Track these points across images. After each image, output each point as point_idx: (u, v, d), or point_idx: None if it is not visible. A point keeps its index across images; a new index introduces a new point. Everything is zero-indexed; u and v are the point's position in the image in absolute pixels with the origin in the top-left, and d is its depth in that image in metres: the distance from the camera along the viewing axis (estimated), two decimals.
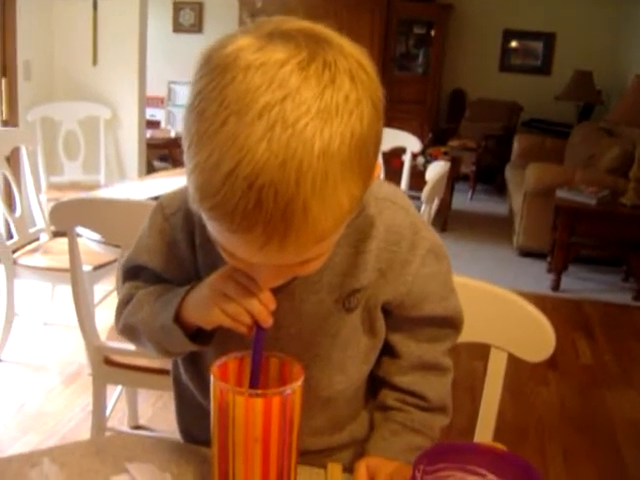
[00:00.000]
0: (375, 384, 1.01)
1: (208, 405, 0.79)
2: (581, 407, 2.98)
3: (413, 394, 0.98)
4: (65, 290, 2.97)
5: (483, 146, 6.94)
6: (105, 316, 2.43)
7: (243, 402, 0.74)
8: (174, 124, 7.31)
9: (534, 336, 1.14)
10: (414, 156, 4.11)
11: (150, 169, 4.90)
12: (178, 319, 0.85)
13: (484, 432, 1.21)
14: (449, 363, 1.01)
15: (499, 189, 7.08)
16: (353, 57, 0.67)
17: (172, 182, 2.53)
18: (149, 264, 0.95)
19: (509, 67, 7.93)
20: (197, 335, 0.87)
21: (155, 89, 6.62)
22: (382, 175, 3.88)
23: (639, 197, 4.34)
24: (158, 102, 7.46)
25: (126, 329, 0.97)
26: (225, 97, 0.63)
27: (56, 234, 3.02)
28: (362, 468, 0.89)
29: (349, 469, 0.92)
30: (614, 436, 2.74)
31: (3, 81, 3.86)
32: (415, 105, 7.56)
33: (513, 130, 7.40)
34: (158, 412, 2.62)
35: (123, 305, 0.97)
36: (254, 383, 0.79)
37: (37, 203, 3.12)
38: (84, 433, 2.40)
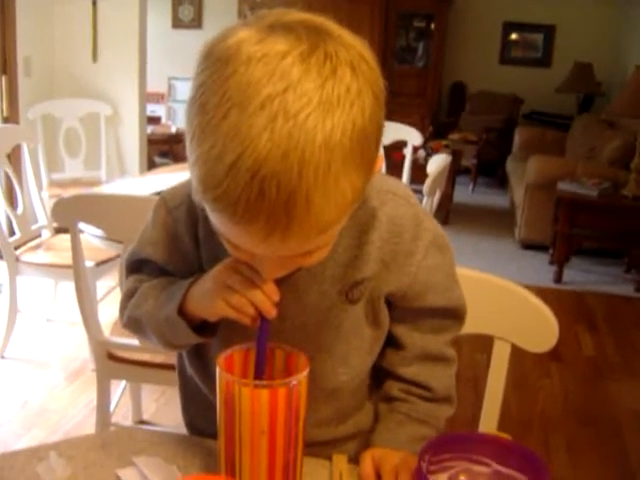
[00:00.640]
0: (379, 375, 1.02)
1: (213, 398, 0.79)
2: (584, 398, 2.98)
3: (418, 385, 0.98)
4: (68, 286, 2.98)
5: (484, 139, 6.93)
6: (108, 312, 2.43)
7: (249, 393, 0.74)
8: (175, 120, 7.31)
9: (537, 327, 1.14)
10: (415, 149, 4.11)
11: (151, 165, 4.90)
12: (182, 311, 0.86)
13: (488, 424, 1.21)
14: (453, 354, 1.01)
15: (500, 182, 7.07)
16: (354, 48, 0.67)
17: (173, 178, 2.53)
18: (153, 257, 0.95)
19: (509, 59, 7.92)
20: (201, 327, 0.87)
21: (155, 85, 6.61)
22: (383, 168, 3.90)
23: None
24: (158, 98, 7.46)
25: (130, 322, 0.97)
26: (227, 89, 0.63)
27: (58, 230, 3.02)
28: (368, 459, 0.89)
29: (354, 460, 0.93)
30: (617, 427, 2.74)
31: (3, 78, 3.86)
32: (415, 98, 7.55)
33: (514, 123, 7.40)
34: (162, 407, 2.62)
35: (127, 298, 0.97)
36: (259, 374, 0.79)
37: (39, 200, 3.12)
38: (88, 429, 2.40)
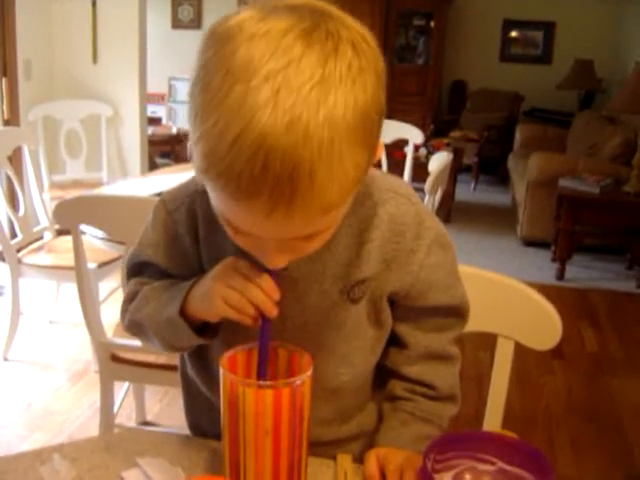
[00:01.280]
0: (383, 375, 1.01)
1: (215, 399, 0.79)
2: (588, 395, 2.98)
3: (421, 384, 0.98)
4: (70, 288, 2.97)
5: (485, 137, 6.93)
6: (111, 313, 2.43)
7: (253, 394, 0.74)
8: (175, 120, 7.31)
9: (541, 324, 1.14)
10: (416, 148, 4.11)
11: (152, 166, 4.89)
12: (183, 313, 0.85)
13: (492, 421, 1.21)
14: (456, 352, 1.01)
15: (502, 179, 7.07)
16: (355, 29, 0.68)
17: (174, 178, 2.52)
18: (153, 259, 0.95)
19: (509, 57, 7.92)
20: (203, 329, 0.87)
21: (156, 86, 6.61)
22: (384, 160, 3.88)
23: None
24: (159, 99, 7.46)
25: (132, 325, 0.97)
26: (230, 66, 0.63)
27: (60, 232, 3.02)
28: (372, 458, 0.89)
29: (359, 460, 0.92)
30: (621, 423, 2.74)
31: (4, 80, 3.86)
32: (416, 97, 7.55)
33: (515, 120, 7.39)
34: (165, 408, 2.62)
35: (128, 301, 0.97)
36: (261, 374, 0.79)
37: (40, 202, 3.12)
38: (92, 430, 2.40)
